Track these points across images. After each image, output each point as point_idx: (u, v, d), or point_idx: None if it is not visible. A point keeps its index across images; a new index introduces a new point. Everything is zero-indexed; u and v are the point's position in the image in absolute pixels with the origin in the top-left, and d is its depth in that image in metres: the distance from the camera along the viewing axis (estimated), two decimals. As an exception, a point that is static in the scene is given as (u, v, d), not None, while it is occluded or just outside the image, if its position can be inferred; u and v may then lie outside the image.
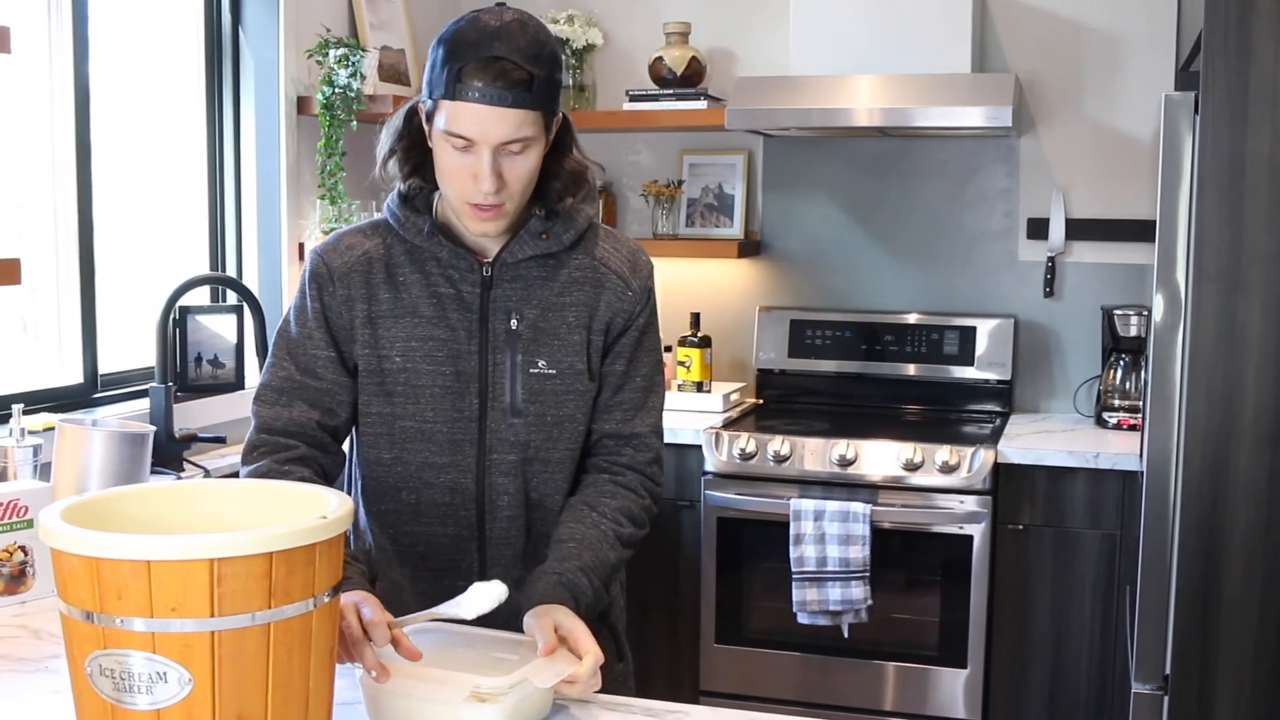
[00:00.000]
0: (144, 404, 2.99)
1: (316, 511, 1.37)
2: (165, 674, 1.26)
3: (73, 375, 3.04)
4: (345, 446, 1.95)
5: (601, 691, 1.66)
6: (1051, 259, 3.95)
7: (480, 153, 1.71)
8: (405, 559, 1.90)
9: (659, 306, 2.00)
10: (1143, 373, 3.49)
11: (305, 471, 1.82)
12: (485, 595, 1.58)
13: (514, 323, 1.84)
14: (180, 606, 1.25)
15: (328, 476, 1.88)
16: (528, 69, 1.69)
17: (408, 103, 1.84)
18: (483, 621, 1.64)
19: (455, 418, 1.85)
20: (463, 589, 1.68)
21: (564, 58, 4.05)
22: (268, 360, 1.90)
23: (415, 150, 1.83)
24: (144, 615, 1.25)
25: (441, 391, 1.84)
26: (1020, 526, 3.45)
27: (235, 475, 2.22)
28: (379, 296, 1.85)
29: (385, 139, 1.85)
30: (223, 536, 1.26)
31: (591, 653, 1.61)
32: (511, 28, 1.70)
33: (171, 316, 3.00)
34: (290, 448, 1.83)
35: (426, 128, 1.78)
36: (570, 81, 4.15)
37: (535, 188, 1.82)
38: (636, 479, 1.91)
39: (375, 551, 1.92)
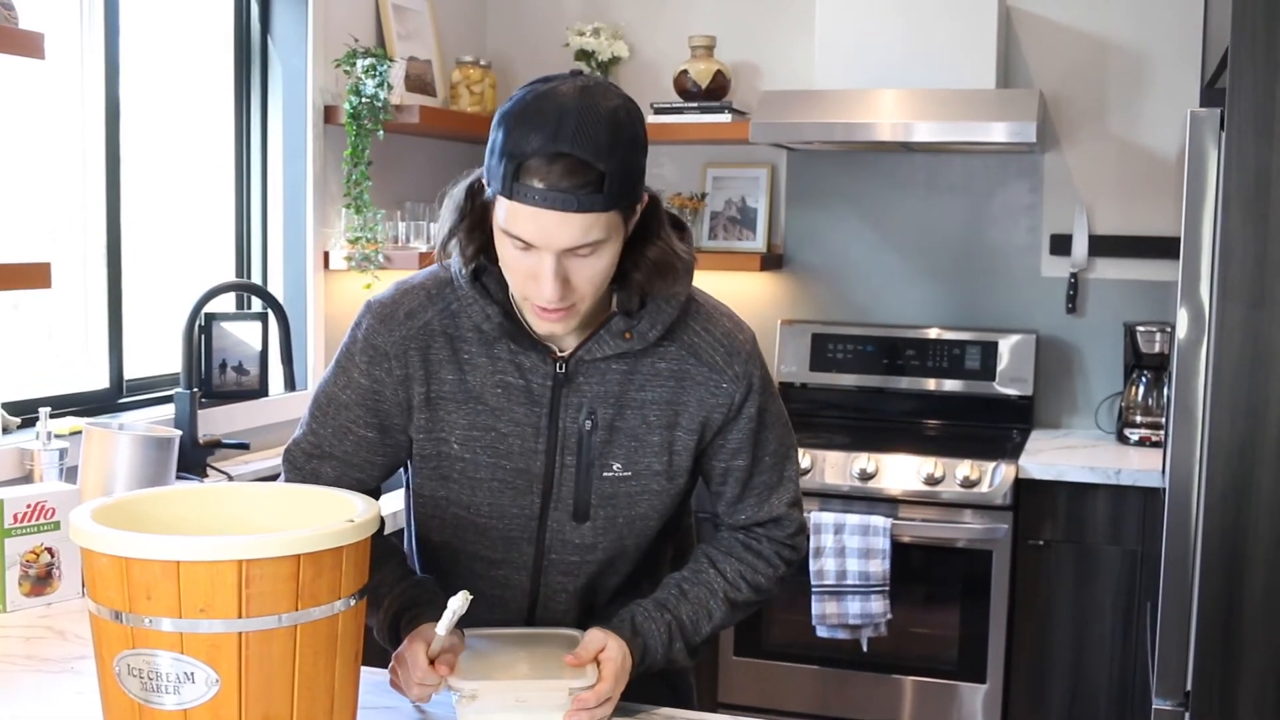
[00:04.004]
0: (168, 409, 3.01)
1: (344, 515, 1.38)
2: (193, 674, 1.27)
3: (99, 380, 3.06)
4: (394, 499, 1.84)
5: None
6: (1074, 275, 3.94)
7: (542, 257, 1.49)
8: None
9: None
10: (1165, 389, 3.48)
11: None
12: (451, 611, 1.53)
13: (588, 424, 1.66)
14: (208, 607, 1.26)
15: None
16: (599, 166, 1.45)
17: (468, 177, 1.62)
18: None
19: (514, 514, 1.69)
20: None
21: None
22: (305, 412, 1.75)
23: (478, 232, 1.59)
24: (172, 615, 1.26)
25: (500, 486, 1.68)
26: (1041, 542, 3.44)
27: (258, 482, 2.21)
28: (441, 376, 1.66)
29: (446, 216, 1.62)
30: (252, 538, 1.27)
31: (602, 688, 1.56)
32: (583, 110, 1.45)
33: (197, 323, 3.02)
34: None
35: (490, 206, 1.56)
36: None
37: (615, 274, 1.59)
38: (772, 547, 1.79)
39: None
